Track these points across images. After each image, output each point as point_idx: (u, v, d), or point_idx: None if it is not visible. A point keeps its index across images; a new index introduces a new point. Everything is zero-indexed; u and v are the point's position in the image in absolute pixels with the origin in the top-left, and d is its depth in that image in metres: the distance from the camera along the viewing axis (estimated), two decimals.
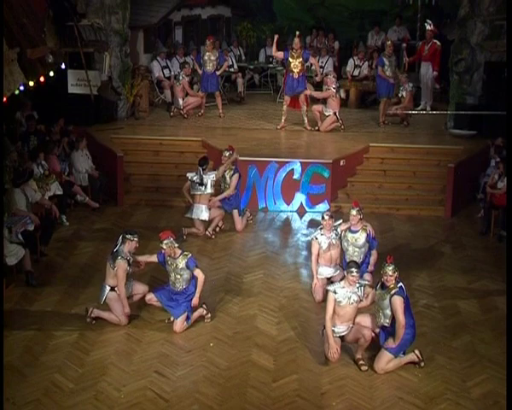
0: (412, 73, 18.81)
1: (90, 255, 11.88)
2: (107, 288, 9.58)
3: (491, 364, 8.84)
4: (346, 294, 8.70)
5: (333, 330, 8.71)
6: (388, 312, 8.62)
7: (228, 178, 12.75)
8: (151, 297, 9.77)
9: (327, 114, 16.07)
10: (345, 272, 9.05)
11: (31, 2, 12.07)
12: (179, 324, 9.50)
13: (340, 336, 8.86)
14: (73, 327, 9.56)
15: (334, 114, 16.05)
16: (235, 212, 12.91)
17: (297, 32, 16.11)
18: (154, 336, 9.45)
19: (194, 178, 12.34)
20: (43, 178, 12.72)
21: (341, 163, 14.41)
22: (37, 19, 12.40)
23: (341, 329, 8.82)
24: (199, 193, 12.39)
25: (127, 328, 9.58)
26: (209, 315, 9.82)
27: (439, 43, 17.55)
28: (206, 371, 8.67)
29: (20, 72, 11.79)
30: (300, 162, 14.00)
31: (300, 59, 15.82)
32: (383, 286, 8.69)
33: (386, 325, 8.70)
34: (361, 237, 10.36)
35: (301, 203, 14.06)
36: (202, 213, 12.42)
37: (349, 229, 10.42)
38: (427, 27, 17.58)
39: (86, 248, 12.16)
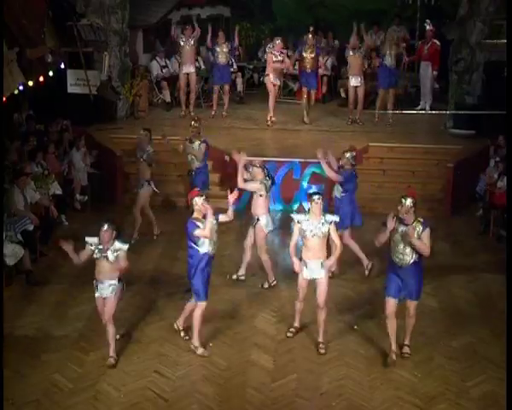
0: (412, 73, 18.85)
1: None
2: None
3: (491, 364, 8.85)
4: (311, 226, 8.82)
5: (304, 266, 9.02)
6: None
7: (196, 147, 12.57)
8: None
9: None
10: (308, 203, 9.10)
11: (30, 3, 12.08)
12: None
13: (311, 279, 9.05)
14: (73, 327, 9.57)
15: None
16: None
17: (311, 28, 16.53)
18: (153, 336, 9.46)
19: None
20: (42, 178, 12.73)
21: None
22: (36, 19, 12.42)
23: (312, 266, 8.96)
24: None
25: (127, 328, 9.58)
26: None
27: (438, 42, 17.55)
28: (206, 371, 8.68)
29: (19, 72, 11.81)
30: (299, 162, 14.00)
31: (313, 55, 16.22)
32: (403, 223, 8.59)
33: (416, 260, 8.64)
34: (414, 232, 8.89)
35: (300, 203, 14.06)
36: None
37: (400, 221, 8.81)
38: (427, 27, 17.58)
39: None
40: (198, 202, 8.96)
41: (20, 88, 12.65)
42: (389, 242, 8.81)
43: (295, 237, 9.16)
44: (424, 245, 8.53)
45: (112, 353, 8.80)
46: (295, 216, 9.18)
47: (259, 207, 10.75)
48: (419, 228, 8.53)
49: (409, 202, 8.56)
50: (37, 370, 8.63)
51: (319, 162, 13.81)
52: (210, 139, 15.29)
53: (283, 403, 8.14)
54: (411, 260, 8.63)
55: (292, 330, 9.51)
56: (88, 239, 8.68)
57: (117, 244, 8.60)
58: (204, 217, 8.93)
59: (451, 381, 8.54)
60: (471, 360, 8.97)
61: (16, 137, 13.83)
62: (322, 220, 8.98)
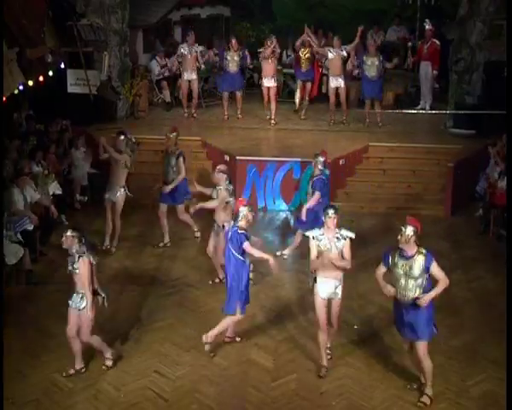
0: (412, 73, 18.83)
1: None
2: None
3: (491, 363, 8.85)
4: (326, 241, 8.46)
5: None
6: (422, 280, 7.91)
7: (173, 162, 12.09)
8: None
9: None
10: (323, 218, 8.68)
11: (30, 3, 12.08)
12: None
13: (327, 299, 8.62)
14: None
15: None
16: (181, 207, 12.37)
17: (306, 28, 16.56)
18: (154, 336, 9.46)
19: None
20: (42, 177, 12.73)
21: (341, 162, 14.42)
22: (36, 19, 12.43)
23: (328, 284, 8.55)
24: None
25: (127, 328, 9.58)
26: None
27: (438, 42, 17.53)
28: (206, 371, 8.68)
29: (19, 71, 11.81)
30: (299, 161, 13.99)
31: (308, 55, 16.34)
32: (403, 255, 7.95)
33: (418, 296, 7.92)
34: (416, 265, 7.98)
35: (301, 202, 14.03)
36: None
37: (400, 253, 8.08)
38: (426, 27, 17.58)
39: None
40: (243, 211, 8.93)
41: (20, 88, 12.66)
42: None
43: (314, 252, 8.53)
44: (441, 284, 7.96)
45: (108, 355, 8.70)
46: (310, 233, 8.67)
47: (223, 214, 10.64)
48: (421, 261, 7.89)
49: (409, 230, 7.86)
50: (37, 369, 8.63)
51: None
52: (210, 139, 15.39)
53: (283, 402, 8.14)
54: (415, 295, 7.93)
55: (323, 370, 8.67)
56: None
57: (73, 253, 8.33)
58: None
59: (451, 380, 8.54)
60: (471, 360, 8.97)
61: (16, 136, 13.82)
62: (338, 235, 8.52)
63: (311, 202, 11.31)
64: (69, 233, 8.36)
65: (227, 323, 9.04)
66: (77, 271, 8.29)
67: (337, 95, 16.34)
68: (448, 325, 9.77)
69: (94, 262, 8.41)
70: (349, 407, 8.10)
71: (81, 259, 8.29)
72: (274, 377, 8.59)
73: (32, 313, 10.00)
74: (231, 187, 10.76)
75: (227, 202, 10.60)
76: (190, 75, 16.64)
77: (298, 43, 16.63)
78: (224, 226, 10.50)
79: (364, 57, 16.19)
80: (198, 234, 12.53)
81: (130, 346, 9.21)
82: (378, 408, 8.05)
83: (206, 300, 10.41)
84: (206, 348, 8.99)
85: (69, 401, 8.09)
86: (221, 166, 10.98)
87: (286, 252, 11.90)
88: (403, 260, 7.96)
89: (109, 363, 8.69)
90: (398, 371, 8.71)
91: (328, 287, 8.57)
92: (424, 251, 7.94)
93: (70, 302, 8.42)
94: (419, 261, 7.89)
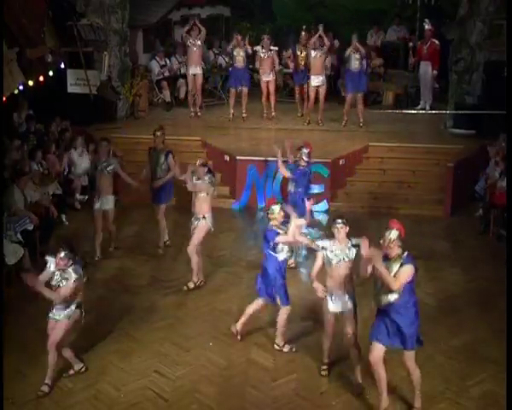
0: (412, 73, 18.84)
1: (88, 255, 11.86)
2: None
3: (491, 363, 8.84)
4: (337, 251, 8.25)
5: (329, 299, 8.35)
6: None
7: (162, 159, 12.00)
8: None
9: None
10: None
11: (30, 3, 12.09)
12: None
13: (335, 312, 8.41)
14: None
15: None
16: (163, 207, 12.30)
17: (303, 27, 16.76)
18: (153, 336, 9.46)
19: None
20: (42, 177, 12.74)
21: (341, 162, 14.42)
22: (36, 19, 12.44)
23: (339, 298, 8.31)
24: None
25: (127, 328, 9.58)
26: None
27: (437, 42, 17.54)
28: (206, 371, 8.68)
29: (19, 71, 11.82)
30: None
31: (305, 52, 16.39)
32: (384, 258, 7.59)
33: (392, 301, 7.53)
34: (392, 269, 7.62)
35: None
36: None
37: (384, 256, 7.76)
38: (426, 27, 17.59)
39: (85, 248, 12.12)
40: (275, 210, 9.08)
41: (20, 88, 12.68)
42: None
43: (319, 263, 8.39)
44: (389, 276, 7.43)
45: (47, 380, 8.27)
46: (320, 242, 8.46)
47: (205, 205, 10.69)
48: (398, 264, 7.51)
49: (392, 234, 7.62)
50: (37, 369, 8.62)
51: (319, 162, 13.96)
52: (210, 139, 15.39)
53: (283, 402, 8.14)
54: (388, 300, 7.54)
55: (324, 367, 8.66)
56: (48, 258, 8.41)
57: (69, 271, 8.20)
58: (282, 224, 9.01)
59: (451, 380, 8.54)
60: (471, 360, 8.97)
61: (16, 136, 13.83)
62: (349, 245, 8.29)
63: (282, 170, 11.84)
64: (63, 254, 8.18)
65: (284, 318, 9.08)
66: (65, 286, 8.17)
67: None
68: (448, 325, 9.79)
69: (84, 280, 8.37)
70: (349, 406, 8.09)
71: (78, 281, 8.19)
72: (274, 377, 8.59)
73: (32, 313, 9.99)
74: (214, 178, 10.95)
75: (207, 194, 10.71)
76: (195, 69, 16.63)
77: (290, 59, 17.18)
78: (204, 217, 10.63)
79: (349, 50, 16.18)
80: (168, 242, 12.41)
81: (130, 346, 9.21)
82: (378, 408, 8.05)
83: (207, 300, 10.40)
84: (286, 349, 9.07)
85: (69, 400, 8.10)
86: (202, 160, 11.13)
87: (303, 252, 11.85)
88: (384, 263, 7.57)
89: (45, 389, 8.21)
90: (398, 371, 8.68)
91: (338, 301, 8.36)
92: (405, 255, 7.59)
93: (50, 315, 8.37)
94: (396, 265, 7.55)
